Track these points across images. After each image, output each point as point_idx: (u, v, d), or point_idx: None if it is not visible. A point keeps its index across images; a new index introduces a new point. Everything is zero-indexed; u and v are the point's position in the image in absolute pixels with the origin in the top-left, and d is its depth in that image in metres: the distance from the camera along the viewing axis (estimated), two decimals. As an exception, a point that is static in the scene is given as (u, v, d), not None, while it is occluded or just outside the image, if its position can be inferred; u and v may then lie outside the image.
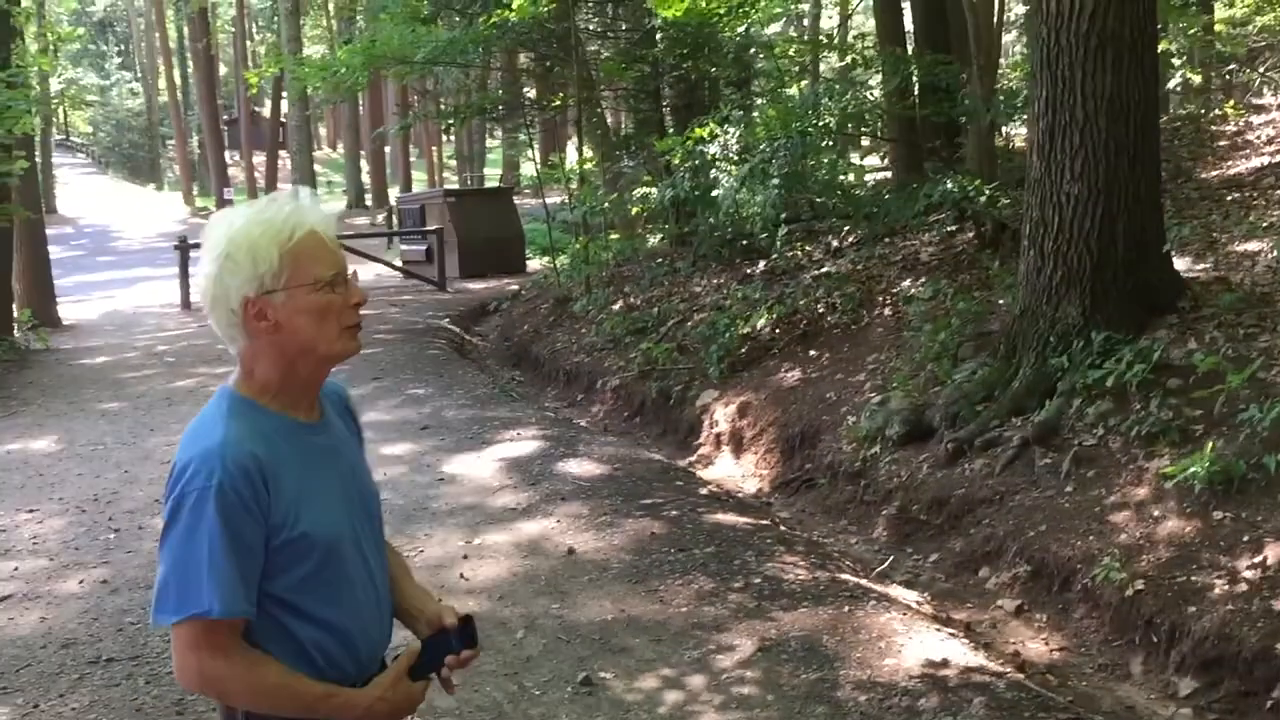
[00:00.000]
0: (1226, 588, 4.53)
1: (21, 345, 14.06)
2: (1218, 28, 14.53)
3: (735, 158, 11.01)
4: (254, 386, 1.88)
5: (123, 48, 73.23)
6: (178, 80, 54.75)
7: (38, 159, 19.09)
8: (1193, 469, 5.06)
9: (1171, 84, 13.73)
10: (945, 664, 4.37)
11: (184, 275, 17.92)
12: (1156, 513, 5.17)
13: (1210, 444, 5.17)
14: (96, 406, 10.40)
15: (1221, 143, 10.84)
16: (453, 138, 48.66)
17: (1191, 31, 13.60)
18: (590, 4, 17.48)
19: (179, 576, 1.74)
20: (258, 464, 1.77)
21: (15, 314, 14.62)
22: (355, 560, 1.91)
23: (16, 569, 5.94)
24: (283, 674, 1.81)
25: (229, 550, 1.73)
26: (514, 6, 13.53)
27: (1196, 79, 13.95)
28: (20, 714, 4.29)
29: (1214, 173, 9.70)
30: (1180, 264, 7.17)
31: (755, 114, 12.79)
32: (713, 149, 11.13)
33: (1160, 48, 9.51)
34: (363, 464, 2.08)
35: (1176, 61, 12.74)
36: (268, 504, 1.77)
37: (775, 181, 10.14)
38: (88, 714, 4.27)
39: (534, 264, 21.63)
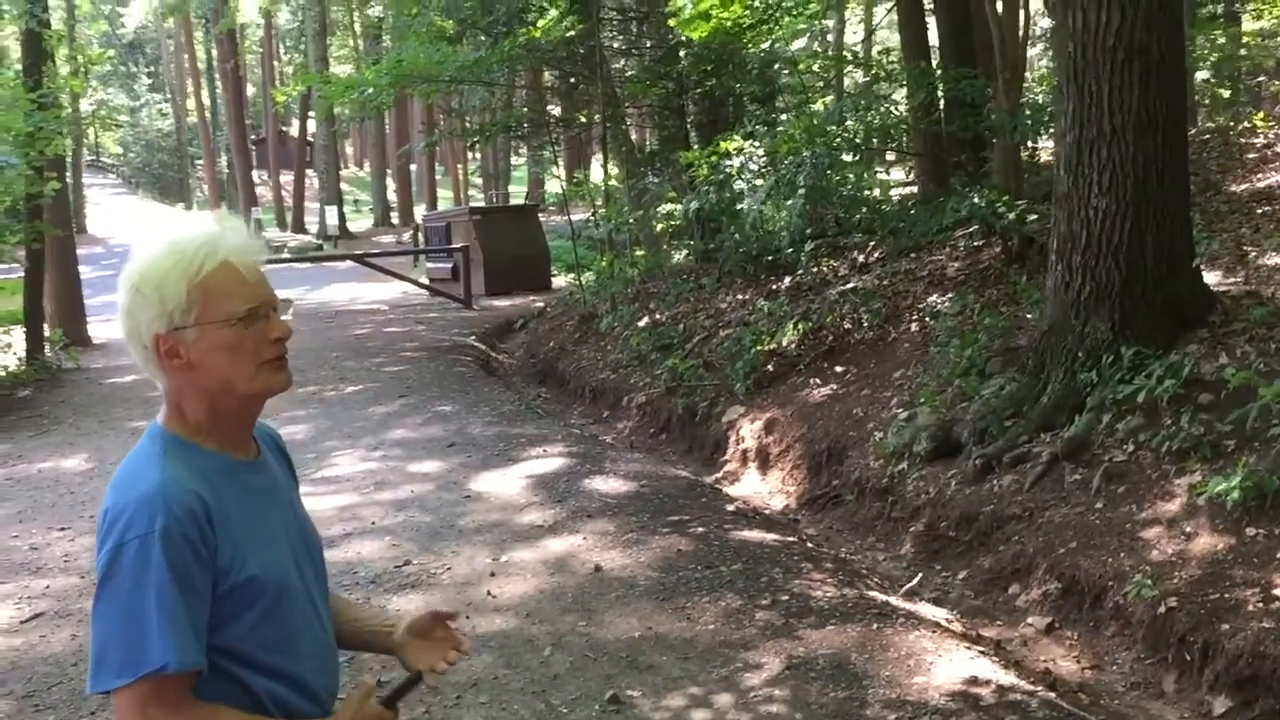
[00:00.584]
0: (1260, 605, 4.47)
1: (53, 364, 14.21)
2: (1245, 39, 14.45)
3: (759, 171, 11.01)
4: (186, 425, 1.75)
5: (152, 69, 74.01)
6: (206, 101, 55.41)
7: (69, 179, 19.29)
8: (1225, 485, 5.01)
9: (1199, 96, 13.67)
10: (975, 682, 4.33)
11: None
12: (1188, 529, 5.12)
13: (1242, 460, 5.12)
14: (127, 424, 10.48)
15: (1251, 155, 10.76)
16: (478, 155, 48.90)
17: (1219, 44, 13.52)
18: (614, 22, 17.56)
19: (124, 634, 1.59)
20: (203, 504, 1.65)
21: (47, 333, 14.77)
22: (303, 603, 1.81)
23: (48, 587, 5.99)
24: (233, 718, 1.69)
25: (180, 598, 1.59)
26: (539, 26, 13.61)
27: (1225, 92, 13.88)
28: (52, 731, 4.32)
29: (1243, 185, 9.62)
30: (1210, 278, 7.11)
31: (780, 129, 12.78)
32: (737, 162, 11.14)
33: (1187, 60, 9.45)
34: (301, 506, 1.96)
35: (1205, 74, 12.67)
36: (215, 547, 1.65)
37: (800, 193, 10.12)
38: (118, 731, 4.29)
39: (559, 281, 21.68)
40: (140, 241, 1.76)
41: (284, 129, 53.75)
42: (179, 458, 1.70)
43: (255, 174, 47.87)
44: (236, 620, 1.69)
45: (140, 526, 1.60)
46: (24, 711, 4.51)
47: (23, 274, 14.51)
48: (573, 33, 14.57)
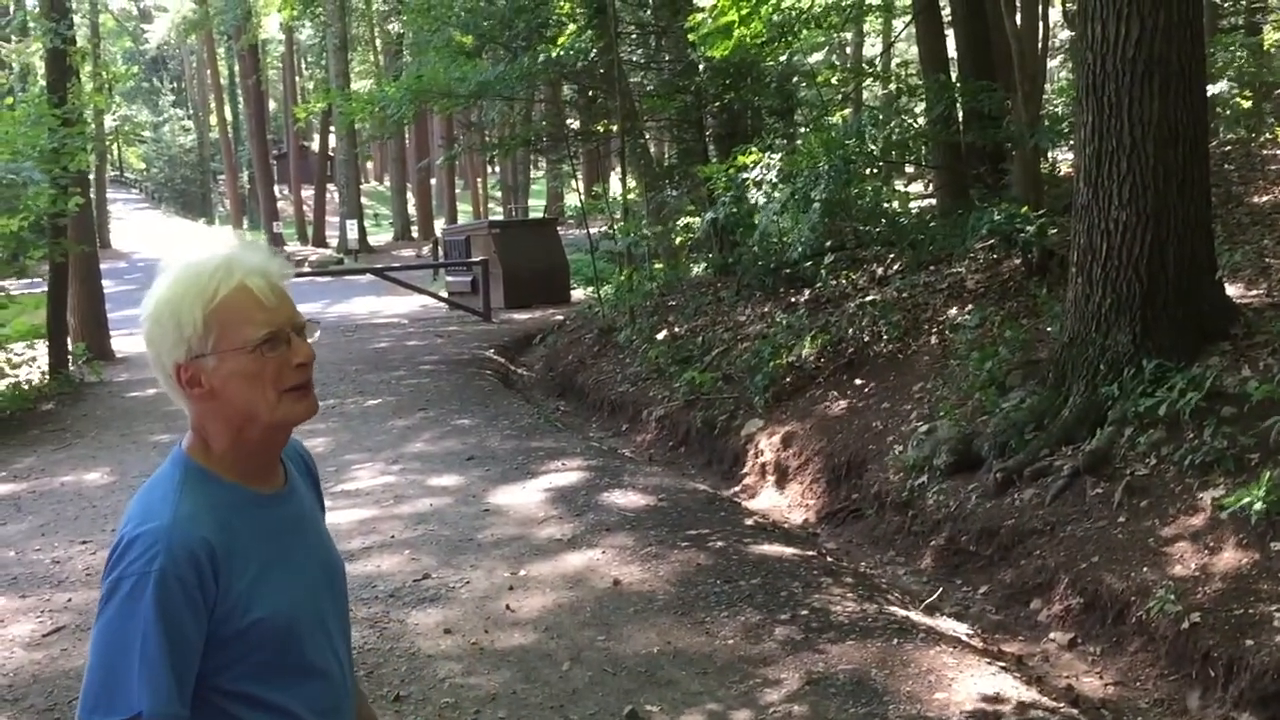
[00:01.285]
0: (1286, 621, 4.43)
1: (76, 378, 14.30)
2: (1267, 48, 14.36)
3: (777, 183, 11.01)
4: (210, 455, 1.71)
5: (175, 84, 74.73)
6: (228, 116, 55.80)
7: (92, 195, 19.45)
8: (1249, 498, 4.97)
9: (1220, 108, 13.59)
10: (997, 699, 4.30)
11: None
12: (1212, 544, 5.07)
13: (1266, 473, 5.08)
14: (149, 439, 10.54)
15: (1273, 167, 10.70)
16: (497, 169, 49.11)
17: (1239, 55, 13.45)
18: (633, 37, 17.61)
19: (104, 674, 1.56)
20: (208, 550, 1.60)
21: (70, 347, 14.88)
22: (317, 641, 1.76)
23: (70, 600, 6.02)
24: None
25: (164, 645, 1.55)
26: (559, 42, 13.65)
27: (1246, 103, 13.79)
28: (72, 745, 4.33)
29: (1265, 197, 9.56)
30: (1232, 290, 7.06)
31: (799, 142, 12.79)
32: (754, 174, 11.14)
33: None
34: (326, 534, 1.91)
35: (1224, 85, 12.60)
36: (215, 595, 1.60)
37: (816, 206, 10.11)
38: (138, 745, 4.30)
39: (578, 294, 21.72)
40: (161, 269, 1.73)
41: (305, 144, 54.08)
42: (197, 491, 1.66)
43: (276, 189, 48.15)
44: (242, 662, 1.65)
45: (139, 564, 1.57)
46: (45, 725, 4.53)
47: (46, 288, 14.62)
48: (592, 47, 14.62)
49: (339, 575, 1.89)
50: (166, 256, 1.78)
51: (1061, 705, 4.41)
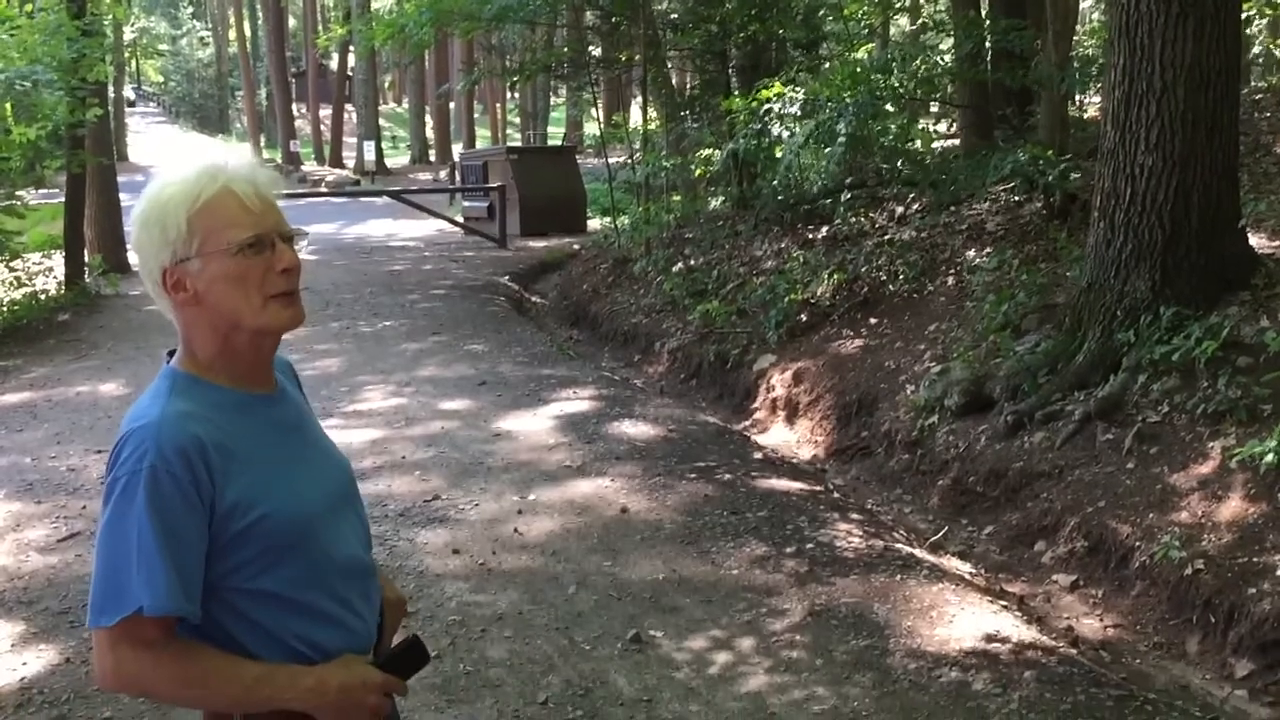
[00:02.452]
0: (1289, 571, 4.45)
1: (92, 290, 14.35)
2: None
3: (800, 116, 10.88)
4: (198, 363, 1.72)
5: (194, -3, 73.95)
6: (247, 32, 55.34)
7: (110, 107, 19.36)
8: (1260, 449, 4.96)
9: (1253, 53, 13.36)
10: (997, 636, 4.35)
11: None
12: (1220, 492, 5.08)
13: (1279, 424, 5.06)
14: (163, 351, 10.55)
15: (1304, 116, 10.53)
16: (517, 94, 48.66)
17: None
18: (659, -38, 17.32)
19: (108, 573, 1.57)
20: (199, 446, 1.59)
21: (86, 259, 14.90)
22: (331, 536, 1.75)
23: (85, 507, 6.10)
24: (213, 660, 1.63)
25: (160, 541, 1.54)
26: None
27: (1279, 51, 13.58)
28: (86, 647, 4.40)
29: (1295, 147, 9.43)
30: (1255, 240, 6.99)
31: (824, 76, 12.61)
32: (777, 107, 11.01)
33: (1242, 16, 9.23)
34: (324, 434, 1.90)
35: (1258, 30, 12.37)
36: (211, 492, 1.59)
37: (841, 141, 10.00)
38: (150, 650, 4.37)
39: (594, 224, 21.62)
40: (154, 177, 1.73)
41: (324, 63, 53.63)
42: (187, 394, 1.66)
43: (294, 107, 47.84)
44: (254, 561, 1.65)
45: (131, 464, 1.57)
46: (59, 628, 4.61)
47: (63, 199, 14.62)
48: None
49: (346, 472, 1.89)
50: (158, 166, 1.76)
51: (1061, 645, 4.45)
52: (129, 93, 61.10)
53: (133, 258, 16.79)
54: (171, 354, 1.77)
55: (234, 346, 1.70)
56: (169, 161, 1.63)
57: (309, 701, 1.67)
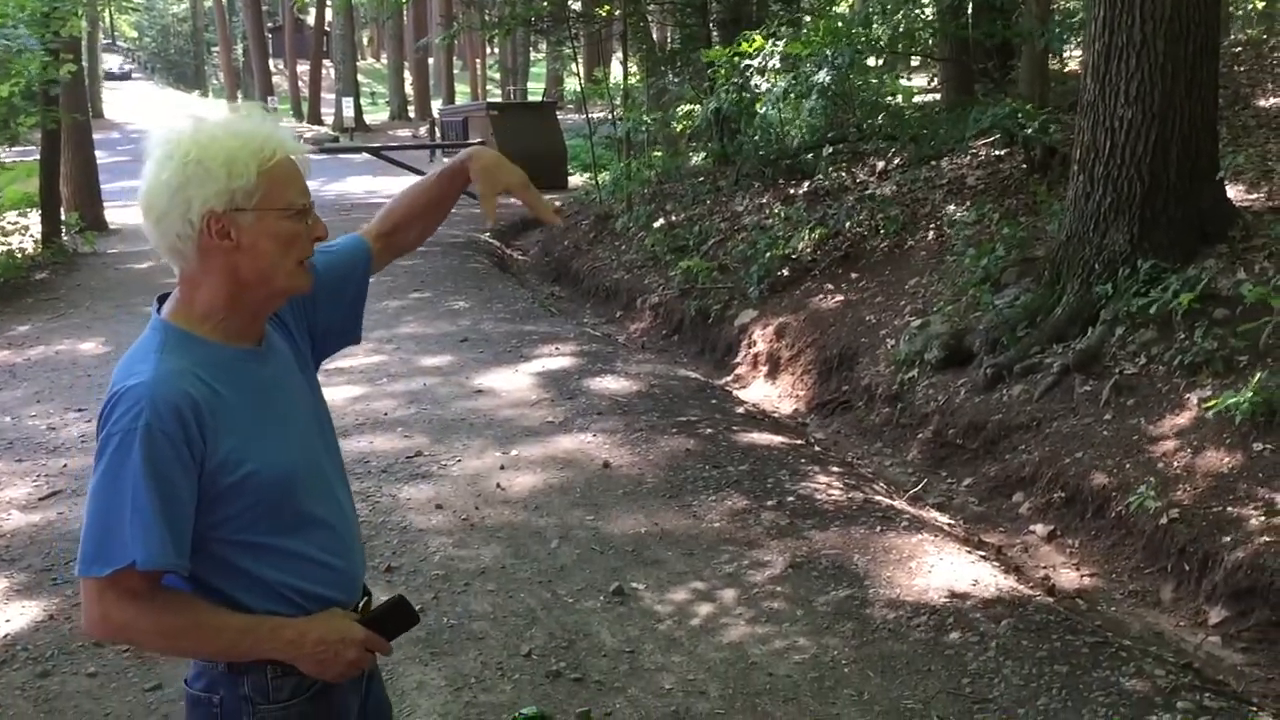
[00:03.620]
0: (1263, 519, 4.51)
1: (69, 248, 14.23)
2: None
3: (780, 70, 10.83)
4: (193, 314, 1.73)
5: (167, -50, 72.77)
6: (222, -15, 54.47)
7: (84, 63, 19.10)
8: (1235, 399, 5.01)
9: (1233, 6, 13.34)
10: (974, 586, 4.40)
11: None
12: (1195, 443, 5.14)
13: (1255, 375, 5.12)
14: (143, 310, 10.45)
15: (1283, 69, 10.53)
16: (497, 50, 48.19)
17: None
18: (639, -87, 17.10)
19: (101, 526, 1.61)
20: (192, 404, 1.62)
21: (63, 217, 14.76)
22: (316, 491, 1.81)
23: (65, 465, 6.09)
24: (199, 612, 1.68)
25: (154, 498, 1.58)
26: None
27: (1260, 3, 13.52)
28: (70, 604, 4.42)
29: (1274, 100, 9.44)
30: (1233, 192, 7.02)
31: (804, 30, 12.54)
32: (757, 61, 10.96)
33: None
34: (309, 385, 1.93)
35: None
36: (202, 449, 1.63)
37: (818, 94, 9.97)
38: (134, 607, 4.39)
39: (576, 180, 21.52)
40: (171, 125, 1.72)
41: (301, 17, 52.97)
42: (178, 351, 1.68)
43: (271, 63, 47.28)
44: (241, 515, 1.69)
45: (125, 421, 1.60)
46: (42, 585, 4.63)
47: (38, 157, 14.45)
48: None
49: (328, 426, 1.94)
50: (175, 118, 1.79)
51: (1037, 594, 4.51)
52: (116, 61, 59.79)
53: (117, 215, 16.71)
54: (163, 300, 1.78)
55: (244, 300, 1.74)
56: (193, 112, 1.64)
57: (288, 653, 1.73)
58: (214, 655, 1.74)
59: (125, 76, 59.83)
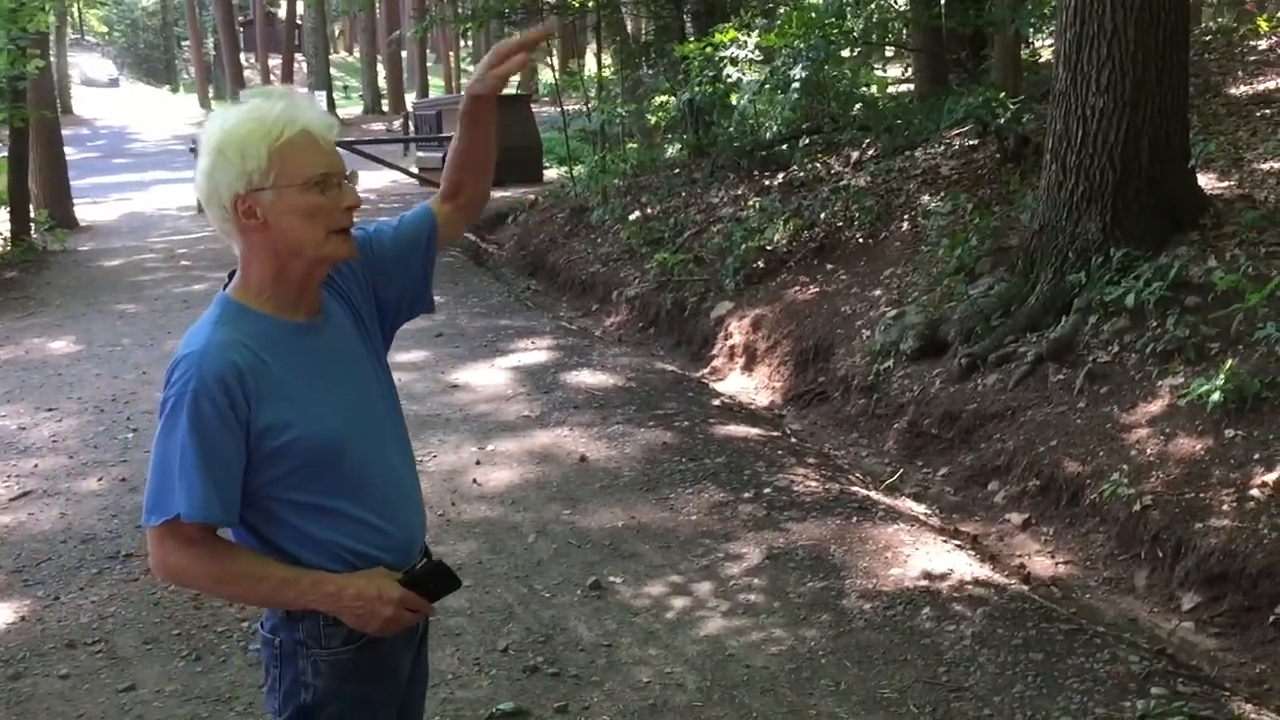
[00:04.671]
0: (1235, 505, 4.54)
1: (39, 246, 14.11)
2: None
3: (755, 59, 10.82)
4: (249, 289, 1.88)
5: (136, -56, 72.02)
6: (192, -21, 53.99)
7: (53, 58, 18.91)
8: (1207, 387, 5.05)
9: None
10: (950, 575, 4.42)
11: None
12: (1168, 430, 5.17)
13: (1226, 362, 5.15)
14: (114, 308, 10.45)
15: (1252, 58, 10.60)
16: (470, 42, 47.99)
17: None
18: (611, -95, 17.04)
19: (156, 481, 1.79)
20: (237, 373, 1.78)
21: (32, 214, 14.61)
22: (367, 455, 1.93)
23: (36, 466, 6.03)
24: (245, 562, 1.85)
25: (199, 458, 1.75)
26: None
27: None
28: (42, 605, 4.39)
29: (1244, 88, 9.50)
30: (1204, 180, 7.06)
31: (778, 21, 12.53)
32: (731, 53, 10.95)
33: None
34: (371, 355, 2.04)
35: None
36: (247, 412, 1.78)
37: (795, 88, 9.96)
38: (107, 606, 4.37)
39: (551, 173, 21.46)
40: (214, 115, 1.88)
41: (271, 10, 52.59)
42: (233, 323, 1.84)
43: (243, 57, 46.92)
44: (291, 475, 1.84)
45: (178, 386, 1.77)
46: (13, 586, 4.58)
47: (6, 154, 14.30)
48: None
49: (390, 395, 2.06)
50: (221, 107, 1.92)
51: (1012, 583, 4.53)
52: (104, 68, 58.02)
53: (87, 212, 16.54)
54: (231, 277, 1.93)
55: (288, 273, 1.87)
56: (235, 102, 1.74)
57: (327, 605, 1.87)
58: (259, 601, 1.96)
59: (114, 84, 56.52)
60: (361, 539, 1.90)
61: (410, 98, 37.80)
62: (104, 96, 50.02)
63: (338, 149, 1.90)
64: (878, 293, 8.05)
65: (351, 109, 44.39)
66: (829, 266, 8.91)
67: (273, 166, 1.80)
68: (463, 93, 2.13)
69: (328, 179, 1.84)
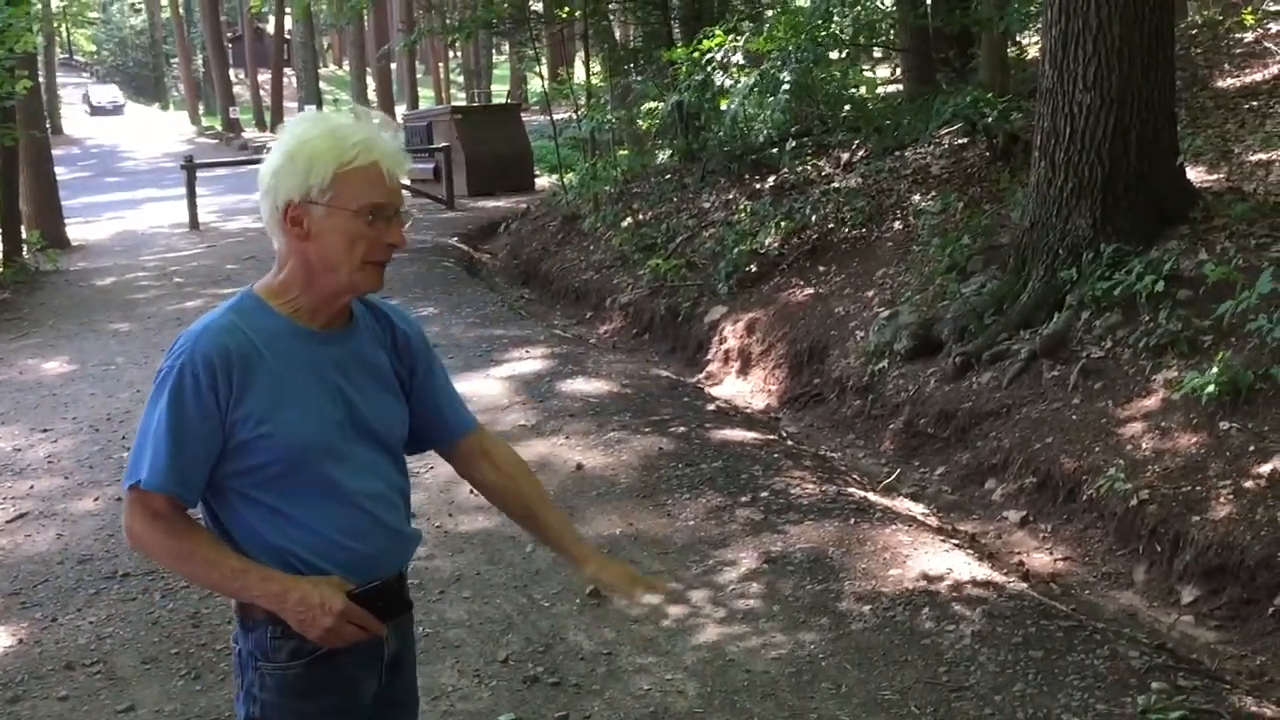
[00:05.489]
0: (1231, 498, 4.55)
1: (31, 266, 14.08)
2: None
3: (743, 65, 10.85)
4: (273, 287, 1.93)
5: (123, -38, 72.05)
6: (180, -3, 53.99)
7: (41, 78, 18.91)
8: (1201, 380, 5.05)
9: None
10: (949, 574, 4.41)
11: (191, 196, 17.87)
12: (1163, 424, 5.17)
13: (1219, 355, 5.15)
14: (107, 327, 10.44)
15: (1238, 51, 10.62)
16: (459, 53, 48.05)
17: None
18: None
19: (137, 445, 1.86)
20: (226, 356, 1.81)
21: (24, 235, 14.60)
22: (340, 475, 1.90)
23: (32, 487, 6.02)
24: (201, 544, 1.87)
25: (169, 431, 1.80)
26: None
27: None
28: (39, 627, 4.37)
29: (1230, 81, 9.53)
30: (1193, 174, 7.08)
31: (765, 25, 12.55)
32: (719, 57, 10.97)
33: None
34: (383, 387, 2.02)
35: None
36: (229, 398, 1.82)
37: (784, 91, 9.98)
38: (105, 627, 4.36)
39: (542, 181, 21.47)
40: (303, 116, 1.95)
41: (260, 26, 52.60)
42: (242, 312, 1.89)
43: (232, 73, 46.91)
44: (256, 471, 1.85)
45: (171, 359, 1.83)
46: (11, 609, 4.57)
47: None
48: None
49: (394, 422, 2.04)
50: (315, 112, 2.00)
51: (1011, 580, 4.53)
52: (108, 93, 57.58)
53: (79, 231, 16.51)
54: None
55: (318, 284, 1.91)
56: (322, 114, 1.78)
57: (272, 604, 1.86)
58: (211, 585, 2.04)
59: (118, 110, 54.63)
60: (315, 550, 1.88)
61: (400, 109, 37.82)
62: (110, 124, 49.83)
63: (400, 189, 1.94)
64: (871, 293, 8.06)
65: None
66: (821, 268, 8.92)
67: (333, 187, 1.84)
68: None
69: (380, 211, 1.87)
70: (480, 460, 2.25)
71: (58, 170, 16.98)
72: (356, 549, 1.92)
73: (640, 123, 15.42)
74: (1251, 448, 4.74)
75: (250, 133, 43.15)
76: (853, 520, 5.01)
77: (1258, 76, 9.40)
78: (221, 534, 1.90)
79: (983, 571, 4.54)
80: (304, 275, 1.90)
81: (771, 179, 11.45)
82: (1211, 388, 4.99)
